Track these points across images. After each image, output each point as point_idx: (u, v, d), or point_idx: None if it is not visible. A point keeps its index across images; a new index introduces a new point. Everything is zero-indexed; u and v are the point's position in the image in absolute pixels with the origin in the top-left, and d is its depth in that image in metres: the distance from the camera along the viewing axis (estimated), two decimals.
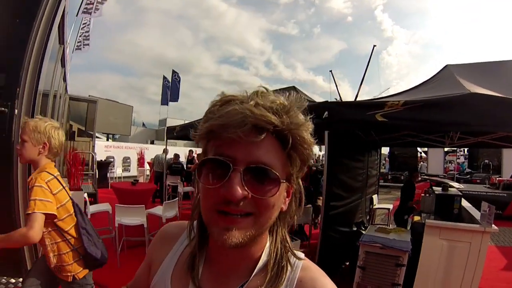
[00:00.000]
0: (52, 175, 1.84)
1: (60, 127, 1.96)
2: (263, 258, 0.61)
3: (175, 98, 14.01)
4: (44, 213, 1.68)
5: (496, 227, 3.14)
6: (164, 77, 14.36)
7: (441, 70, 4.81)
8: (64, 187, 1.90)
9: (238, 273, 0.61)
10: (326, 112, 3.39)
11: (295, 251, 0.63)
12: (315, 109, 3.67)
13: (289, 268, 0.60)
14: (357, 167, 5.32)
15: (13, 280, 2.85)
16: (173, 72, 13.88)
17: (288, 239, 0.63)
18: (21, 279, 2.80)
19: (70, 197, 1.94)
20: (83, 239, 1.93)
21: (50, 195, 1.76)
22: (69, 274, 1.89)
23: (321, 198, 5.39)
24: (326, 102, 3.70)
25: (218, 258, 0.62)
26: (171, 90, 13.76)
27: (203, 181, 0.54)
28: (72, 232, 1.91)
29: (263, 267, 0.60)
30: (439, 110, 2.89)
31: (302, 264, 0.62)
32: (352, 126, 3.67)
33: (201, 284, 0.61)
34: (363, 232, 4.18)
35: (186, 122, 13.52)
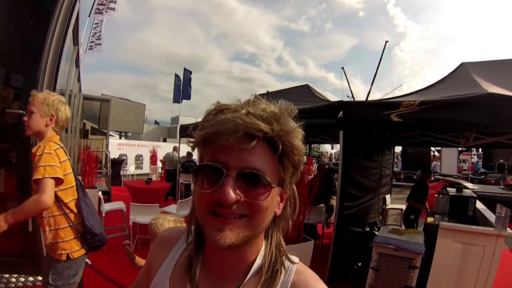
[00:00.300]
0: (59, 145, 1.86)
1: (67, 103, 1.97)
2: (258, 261, 0.62)
3: (187, 96, 14.08)
4: (54, 178, 1.71)
5: (511, 231, 3.08)
6: (176, 75, 14.45)
7: (456, 68, 4.71)
8: (69, 159, 1.91)
9: (233, 276, 0.62)
10: (341, 112, 3.38)
11: (289, 255, 0.65)
12: (330, 108, 3.66)
13: (283, 271, 0.62)
14: (371, 167, 5.30)
15: (31, 278, 2.91)
16: (185, 70, 13.95)
17: (283, 243, 0.65)
18: (39, 277, 2.86)
19: (72, 169, 1.94)
20: (83, 212, 1.89)
21: (58, 162, 1.78)
22: (63, 252, 1.83)
23: (334, 197, 5.38)
24: (341, 101, 3.69)
25: (214, 261, 0.64)
26: (183, 88, 13.84)
27: (198, 185, 0.56)
28: (72, 206, 1.88)
29: (258, 270, 0.62)
30: (455, 111, 2.86)
31: (296, 268, 0.63)
32: (367, 126, 3.66)
33: (198, 286, 0.63)
34: (376, 232, 4.15)
35: (199, 120, 13.58)
